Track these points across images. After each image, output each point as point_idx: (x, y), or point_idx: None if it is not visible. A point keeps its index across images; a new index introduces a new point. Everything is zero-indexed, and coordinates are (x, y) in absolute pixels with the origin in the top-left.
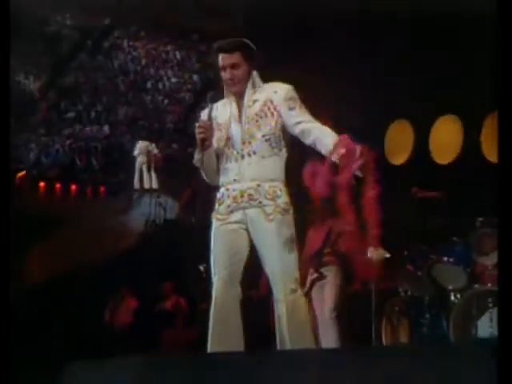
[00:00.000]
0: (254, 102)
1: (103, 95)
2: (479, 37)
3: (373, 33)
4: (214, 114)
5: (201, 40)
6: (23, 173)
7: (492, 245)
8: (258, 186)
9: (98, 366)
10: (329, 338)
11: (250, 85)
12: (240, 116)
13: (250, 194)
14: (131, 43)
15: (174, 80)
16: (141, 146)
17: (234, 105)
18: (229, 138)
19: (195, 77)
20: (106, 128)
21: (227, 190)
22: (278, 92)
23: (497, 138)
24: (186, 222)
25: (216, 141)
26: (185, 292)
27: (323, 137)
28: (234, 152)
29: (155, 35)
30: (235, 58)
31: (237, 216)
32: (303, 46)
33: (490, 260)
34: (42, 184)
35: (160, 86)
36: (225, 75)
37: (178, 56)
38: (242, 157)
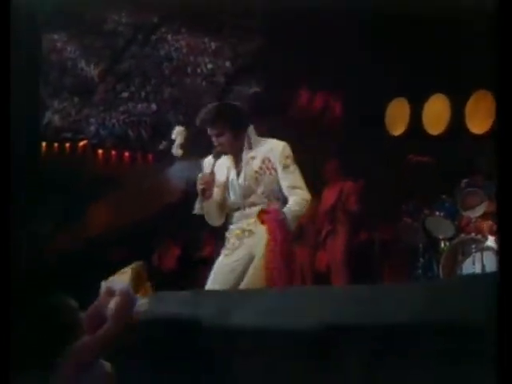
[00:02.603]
0: (252, 158)
1: (151, 79)
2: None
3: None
4: (215, 169)
5: (232, 33)
6: (85, 142)
7: (475, 201)
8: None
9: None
10: (340, 280)
11: (245, 143)
12: (238, 173)
13: (249, 230)
14: (174, 37)
15: (209, 66)
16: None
17: (232, 163)
18: (229, 193)
19: (227, 63)
20: (154, 106)
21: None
22: (274, 150)
23: (479, 112)
24: None
25: (217, 195)
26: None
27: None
28: (235, 206)
29: (194, 30)
30: (218, 127)
31: (238, 255)
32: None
33: (473, 214)
34: (100, 152)
35: (198, 71)
36: (214, 141)
37: (213, 46)
38: (244, 208)
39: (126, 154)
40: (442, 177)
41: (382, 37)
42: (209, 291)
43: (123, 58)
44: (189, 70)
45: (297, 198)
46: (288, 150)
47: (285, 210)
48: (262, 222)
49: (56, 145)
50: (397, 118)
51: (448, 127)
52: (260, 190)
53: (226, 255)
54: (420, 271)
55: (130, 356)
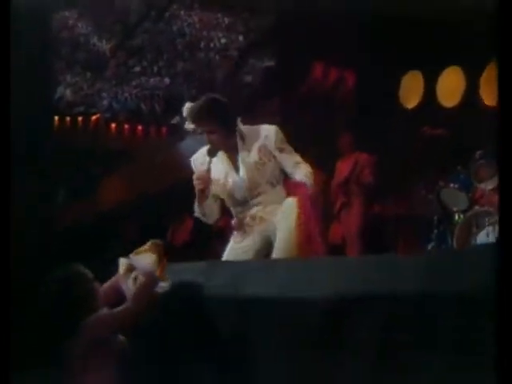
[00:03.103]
0: (248, 151)
1: (164, 54)
2: None
3: None
4: (207, 166)
5: (244, 8)
6: (98, 116)
7: (488, 173)
8: (265, 206)
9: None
10: (354, 253)
11: (238, 137)
12: (237, 168)
13: (260, 217)
14: (187, 12)
15: (223, 41)
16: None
17: (228, 159)
18: (231, 190)
19: (240, 37)
20: (167, 79)
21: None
22: (269, 137)
23: (493, 85)
24: None
25: (218, 193)
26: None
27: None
28: (241, 199)
29: (206, 5)
30: (207, 124)
31: (250, 241)
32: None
33: (486, 186)
34: (113, 125)
35: (211, 45)
36: (206, 138)
37: (226, 21)
38: (251, 199)
39: (139, 127)
40: (456, 149)
41: (397, 9)
42: (224, 262)
43: (135, 33)
44: (202, 44)
45: (303, 171)
46: (280, 133)
47: (301, 176)
48: (289, 195)
49: (68, 119)
50: (411, 90)
51: (462, 99)
52: (264, 179)
53: (237, 242)
54: (434, 243)
55: (145, 327)
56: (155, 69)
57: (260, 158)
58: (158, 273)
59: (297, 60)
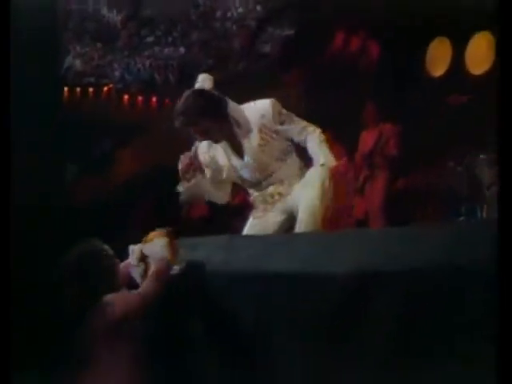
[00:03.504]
0: (248, 136)
1: (178, 24)
2: None
3: None
4: (212, 153)
5: None
6: (109, 87)
7: None
8: (282, 182)
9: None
10: (378, 226)
11: (233, 122)
12: (240, 153)
13: (278, 193)
14: None
15: (240, 10)
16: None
17: (228, 147)
18: (240, 175)
19: (258, 7)
20: (182, 49)
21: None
22: (265, 115)
23: None
24: None
25: (229, 178)
26: None
27: (315, 155)
28: (253, 182)
29: None
30: (198, 124)
31: (270, 218)
32: None
33: None
34: (126, 97)
35: (228, 14)
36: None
37: None
38: (264, 179)
39: (153, 98)
40: (487, 118)
41: None
42: (245, 236)
43: (146, 4)
44: (218, 14)
45: (313, 132)
46: (277, 106)
47: (316, 146)
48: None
49: (78, 90)
50: (438, 58)
51: (492, 66)
52: (272, 158)
53: (257, 217)
54: (463, 217)
55: (163, 303)
56: (169, 39)
57: (262, 139)
58: (169, 257)
59: (317, 29)
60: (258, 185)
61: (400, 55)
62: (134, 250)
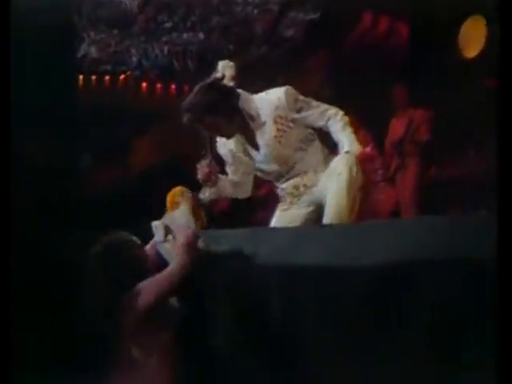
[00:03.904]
0: (262, 126)
1: (196, 9)
2: None
3: None
4: (228, 146)
5: None
6: (128, 73)
7: None
8: (306, 173)
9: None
10: (410, 216)
11: (245, 115)
12: (256, 146)
13: (304, 185)
14: None
15: None
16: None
17: (244, 140)
18: (260, 169)
19: None
20: (201, 34)
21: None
22: (279, 105)
23: None
24: None
25: (249, 170)
26: None
27: (339, 142)
28: (275, 174)
29: None
30: (209, 121)
31: (296, 208)
32: None
33: None
34: (143, 84)
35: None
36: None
37: None
38: (286, 172)
39: (172, 85)
40: None
41: None
42: (269, 228)
43: None
44: None
45: (335, 116)
46: (292, 93)
47: (339, 131)
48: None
49: (94, 77)
50: (472, 38)
51: None
52: (291, 148)
53: (283, 210)
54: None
55: (190, 295)
56: (188, 24)
57: (278, 130)
58: (194, 225)
59: (342, 11)
60: (280, 177)
61: (430, 36)
62: (158, 225)
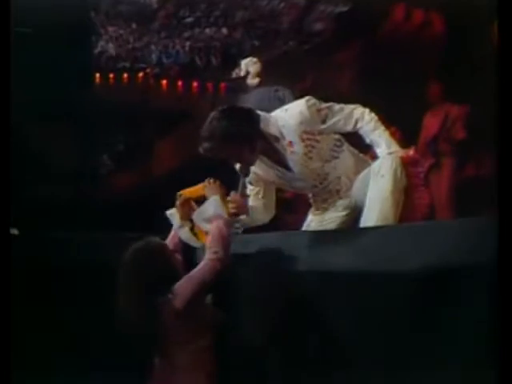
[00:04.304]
0: (289, 146)
1: (219, 3)
2: None
3: None
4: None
5: None
6: (146, 71)
7: None
8: (339, 178)
9: None
10: (445, 218)
11: (269, 137)
12: (286, 166)
13: (337, 190)
14: None
15: None
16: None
17: (270, 162)
18: (293, 187)
19: None
20: (224, 29)
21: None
22: (303, 119)
23: None
24: None
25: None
26: None
27: (374, 143)
28: (307, 188)
29: None
30: (229, 151)
31: (330, 213)
32: None
33: None
34: (164, 82)
35: None
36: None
37: None
38: (320, 183)
39: (194, 83)
40: None
41: None
42: (299, 232)
43: None
44: None
45: (362, 117)
46: (313, 103)
47: (371, 132)
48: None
49: (112, 75)
50: None
51: None
52: (322, 161)
53: (317, 214)
54: None
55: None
56: (210, 19)
57: (306, 146)
58: (226, 214)
59: (374, 3)
60: (314, 188)
61: (467, 28)
62: (172, 213)
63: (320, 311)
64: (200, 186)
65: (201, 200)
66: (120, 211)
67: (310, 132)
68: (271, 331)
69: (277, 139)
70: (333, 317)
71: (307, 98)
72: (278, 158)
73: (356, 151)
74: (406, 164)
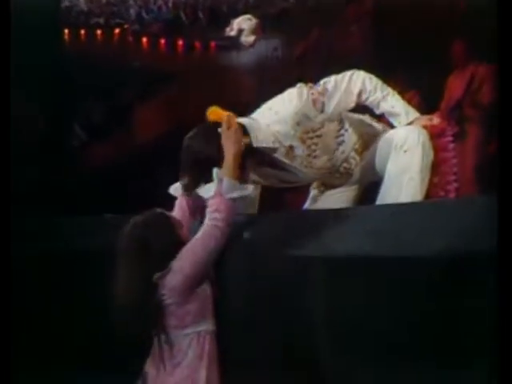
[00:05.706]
0: (289, 151)
1: None
2: None
3: None
4: None
5: None
6: (123, 28)
7: None
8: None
9: None
10: (470, 194)
11: (270, 153)
12: (291, 171)
13: (346, 168)
14: None
15: None
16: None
17: (269, 170)
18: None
19: None
20: None
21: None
22: (299, 119)
23: None
24: None
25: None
26: None
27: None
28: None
29: None
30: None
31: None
32: None
33: None
34: (144, 39)
35: None
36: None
37: None
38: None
39: (179, 42)
40: None
41: None
42: (306, 211)
43: None
44: None
45: (362, 84)
46: (305, 93)
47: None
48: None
49: (83, 32)
50: None
51: None
52: (330, 151)
53: (322, 191)
54: None
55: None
56: None
57: (308, 147)
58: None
59: None
60: (322, 177)
61: None
62: (176, 187)
63: (331, 297)
64: (224, 115)
65: None
66: (99, 189)
67: (309, 130)
68: (278, 319)
69: (274, 150)
70: (344, 302)
71: (298, 87)
72: (280, 167)
73: (355, 117)
74: (433, 135)
